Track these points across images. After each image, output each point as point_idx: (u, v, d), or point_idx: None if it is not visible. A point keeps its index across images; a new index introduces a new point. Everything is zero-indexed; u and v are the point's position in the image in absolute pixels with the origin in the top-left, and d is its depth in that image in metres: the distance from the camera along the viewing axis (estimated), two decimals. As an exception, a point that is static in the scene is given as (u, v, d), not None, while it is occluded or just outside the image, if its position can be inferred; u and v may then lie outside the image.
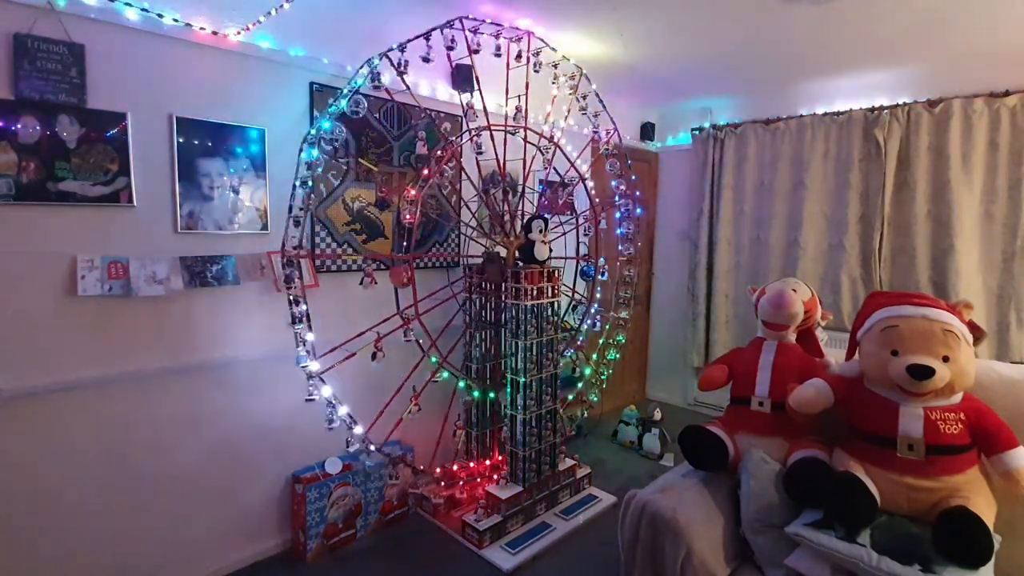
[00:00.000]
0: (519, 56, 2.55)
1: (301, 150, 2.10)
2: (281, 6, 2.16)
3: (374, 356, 2.23)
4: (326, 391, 2.18)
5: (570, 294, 3.15)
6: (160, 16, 1.93)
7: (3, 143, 1.69)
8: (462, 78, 2.73)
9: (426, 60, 2.17)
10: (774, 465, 1.73)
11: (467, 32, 2.31)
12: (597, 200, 3.02)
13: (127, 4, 1.86)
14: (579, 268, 3.07)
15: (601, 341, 3.25)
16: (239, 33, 2.12)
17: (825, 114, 3.55)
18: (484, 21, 2.36)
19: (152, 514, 2.08)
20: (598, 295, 3.07)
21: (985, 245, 3.09)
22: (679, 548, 1.55)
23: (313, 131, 2.12)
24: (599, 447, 3.67)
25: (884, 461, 1.53)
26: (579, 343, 3.08)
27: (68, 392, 1.86)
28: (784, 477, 1.66)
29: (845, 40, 2.81)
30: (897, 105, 3.26)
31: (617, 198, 3.12)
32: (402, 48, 2.16)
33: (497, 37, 2.41)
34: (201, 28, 2.03)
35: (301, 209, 2.08)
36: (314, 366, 2.15)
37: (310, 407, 2.18)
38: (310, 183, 2.11)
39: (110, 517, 1.99)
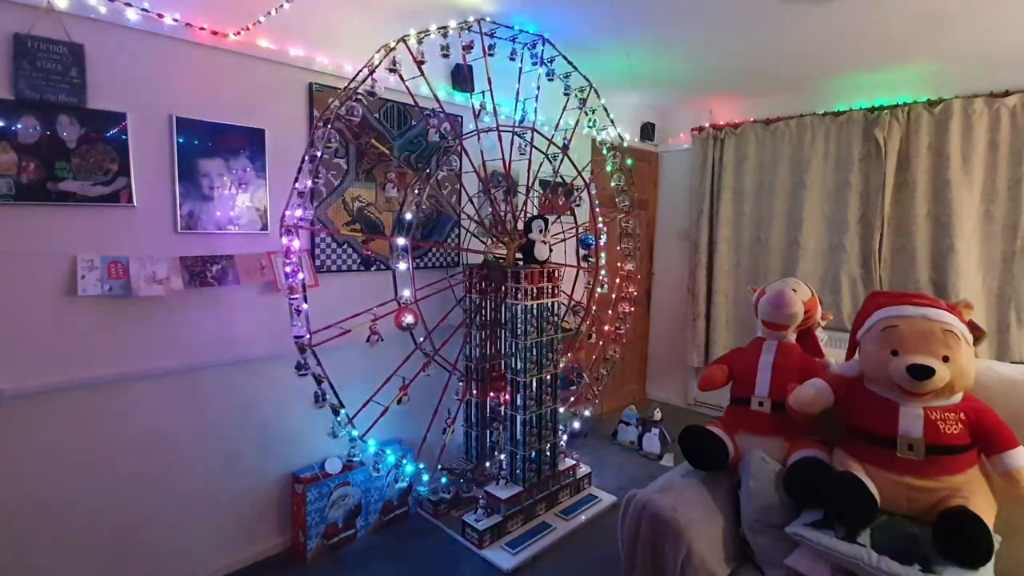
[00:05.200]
0: (469, 46, 2.37)
1: (281, 234, 2.04)
2: (281, 6, 2.16)
3: (399, 401, 2.34)
4: (371, 447, 2.30)
5: (575, 270, 3.16)
6: (160, 16, 1.93)
7: (3, 143, 1.69)
8: (461, 78, 2.73)
9: (371, 94, 2.11)
10: (774, 465, 1.73)
11: (412, 43, 2.19)
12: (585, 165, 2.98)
13: (127, 4, 1.86)
14: (578, 238, 3.05)
15: (613, 296, 3.25)
16: (239, 33, 2.12)
17: (825, 114, 3.55)
18: (427, 30, 2.23)
19: (152, 514, 2.08)
20: (603, 261, 3.06)
21: (985, 245, 3.09)
22: (679, 548, 1.55)
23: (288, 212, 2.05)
24: (599, 447, 3.67)
25: (884, 461, 1.53)
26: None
27: (68, 392, 1.86)
28: (784, 477, 1.66)
29: (845, 40, 2.80)
30: (897, 105, 3.26)
31: (605, 150, 3.09)
32: (357, 97, 2.09)
33: (445, 37, 2.27)
34: (201, 28, 2.03)
35: (295, 298, 2.03)
36: (355, 432, 2.23)
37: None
38: (300, 275, 2.05)
39: (110, 517, 1.99)
